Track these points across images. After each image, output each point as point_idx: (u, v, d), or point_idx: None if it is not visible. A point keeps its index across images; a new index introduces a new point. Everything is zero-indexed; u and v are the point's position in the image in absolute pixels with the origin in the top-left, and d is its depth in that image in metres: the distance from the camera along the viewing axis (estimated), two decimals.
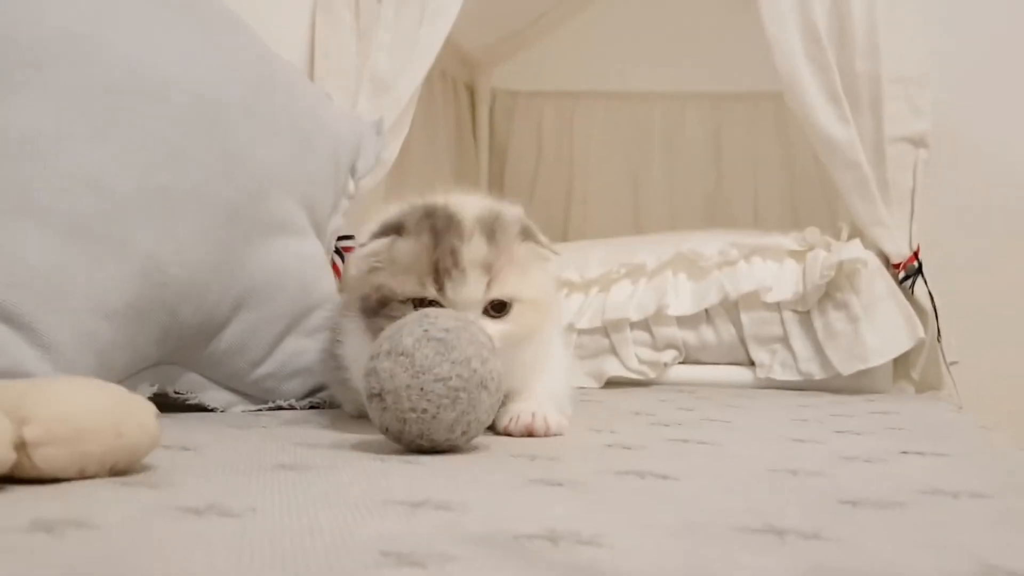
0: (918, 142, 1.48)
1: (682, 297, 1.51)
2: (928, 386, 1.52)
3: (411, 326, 0.74)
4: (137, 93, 0.95)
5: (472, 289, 0.83)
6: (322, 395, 1.15)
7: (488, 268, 0.83)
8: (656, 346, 1.51)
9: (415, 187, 1.87)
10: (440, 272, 0.83)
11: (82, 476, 0.60)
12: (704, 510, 0.53)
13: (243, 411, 1.09)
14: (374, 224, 0.88)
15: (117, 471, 0.62)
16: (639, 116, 2.40)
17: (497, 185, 2.46)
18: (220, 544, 0.43)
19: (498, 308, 0.85)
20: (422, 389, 0.71)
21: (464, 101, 2.39)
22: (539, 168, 2.45)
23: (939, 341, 1.51)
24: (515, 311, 0.85)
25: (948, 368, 1.52)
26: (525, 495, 0.56)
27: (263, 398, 1.12)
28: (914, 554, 0.43)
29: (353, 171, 1.40)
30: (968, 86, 2.00)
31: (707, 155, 2.35)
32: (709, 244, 1.55)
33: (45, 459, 0.58)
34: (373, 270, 0.86)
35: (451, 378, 0.72)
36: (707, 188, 2.33)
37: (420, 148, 1.78)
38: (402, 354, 0.72)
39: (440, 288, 0.83)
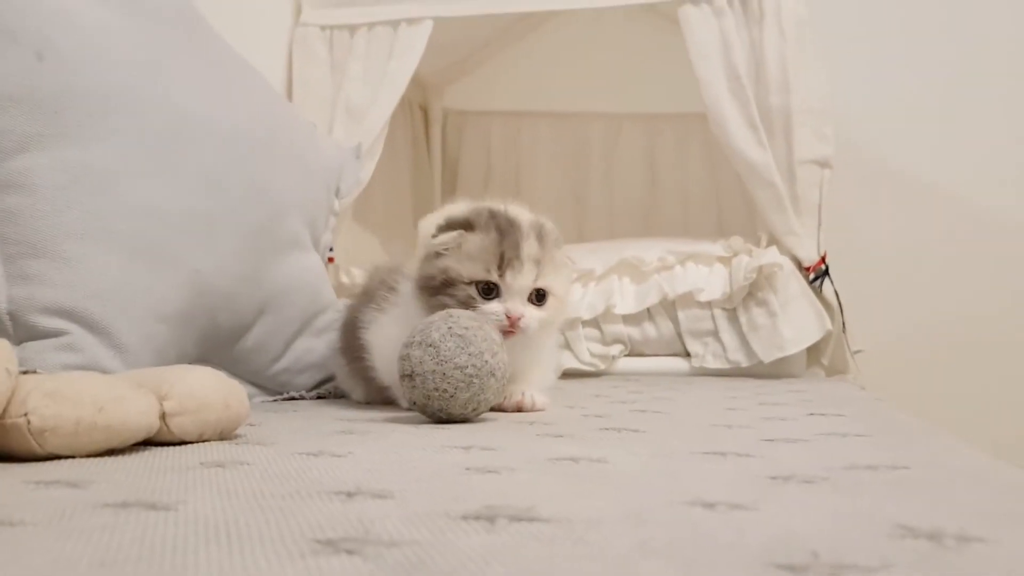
0: (823, 164, 1.68)
1: (626, 298, 1.71)
2: (836, 371, 1.74)
3: (438, 323, 0.94)
4: (184, 134, 1.13)
5: (526, 278, 1.03)
6: (327, 386, 1.35)
7: (537, 263, 1.04)
8: (605, 341, 1.72)
9: (378, 199, 2.09)
10: (504, 261, 1.03)
11: (201, 440, 0.79)
12: (668, 446, 0.75)
13: (261, 401, 1.28)
14: (438, 218, 1.06)
15: (223, 436, 0.81)
16: (579, 134, 2.56)
17: (449, 198, 2.64)
18: (346, 470, 0.63)
19: (540, 297, 1.06)
20: (444, 374, 0.92)
21: (418, 120, 2.55)
22: (488, 182, 2.61)
23: (844, 333, 1.75)
24: (550, 302, 1.06)
25: (852, 355, 1.76)
26: (540, 442, 0.77)
27: (278, 390, 1.30)
28: (812, 461, 0.65)
29: (337, 192, 1.60)
30: (871, 115, 2.31)
31: (641, 170, 2.51)
32: (649, 251, 1.74)
33: (179, 426, 0.77)
34: (439, 256, 1.05)
35: (467, 367, 0.92)
36: (642, 200, 2.49)
37: (381, 164, 1.95)
38: (431, 345, 0.93)
39: (502, 275, 1.03)
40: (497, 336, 0.96)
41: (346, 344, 1.22)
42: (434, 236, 1.05)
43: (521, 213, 1.09)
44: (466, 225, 1.05)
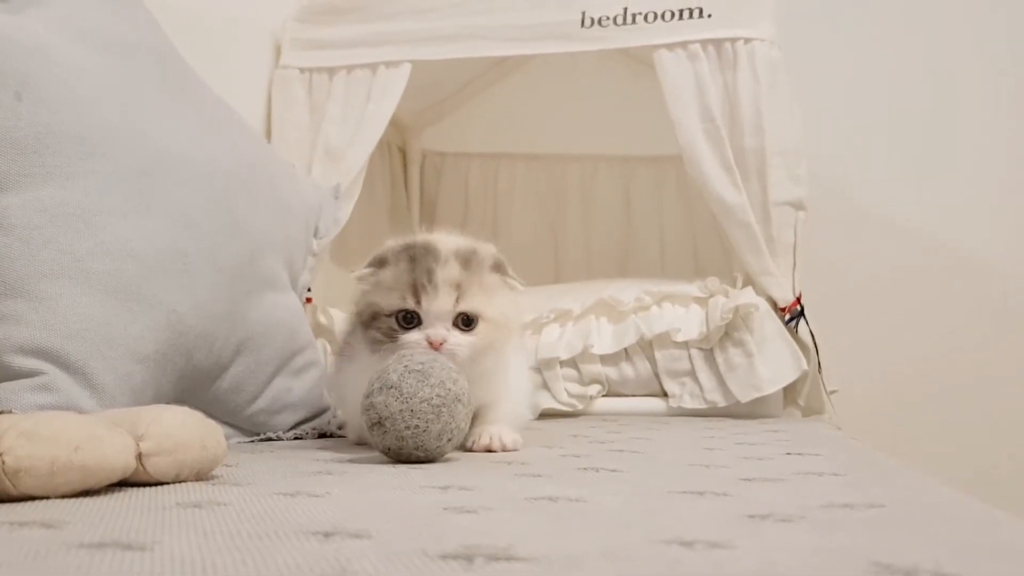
0: (797, 205, 1.71)
1: (604, 338, 1.72)
2: (812, 411, 1.75)
3: (394, 365, 0.95)
4: (161, 173, 1.13)
5: (443, 302, 1.03)
6: (305, 427, 1.34)
7: (457, 287, 1.04)
8: (583, 381, 1.72)
9: (356, 240, 2.09)
10: (417, 288, 1.03)
11: (177, 480, 0.78)
12: (647, 485, 0.75)
13: (238, 442, 1.27)
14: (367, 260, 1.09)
15: (200, 477, 0.81)
16: (556, 175, 2.59)
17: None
18: (323, 510, 0.63)
19: (466, 323, 1.05)
20: (412, 411, 0.91)
21: (397, 161, 2.57)
22: (466, 222, 2.62)
23: (820, 373, 1.76)
24: (480, 327, 1.05)
25: (828, 395, 1.77)
26: (518, 481, 0.77)
27: (255, 431, 1.29)
28: (789, 500, 0.66)
29: (316, 231, 1.60)
30: (846, 157, 2.36)
31: (618, 211, 2.53)
32: (626, 292, 1.76)
33: (155, 466, 0.76)
34: (365, 292, 1.08)
35: (432, 398, 0.92)
36: (618, 240, 2.51)
37: (360, 204, 1.97)
38: (392, 387, 0.93)
39: (418, 301, 1.03)
40: (452, 364, 0.96)
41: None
42: (358, 275, 1.08)
43: (450, 240, 1.09)
44: (381, 260, 1.07)
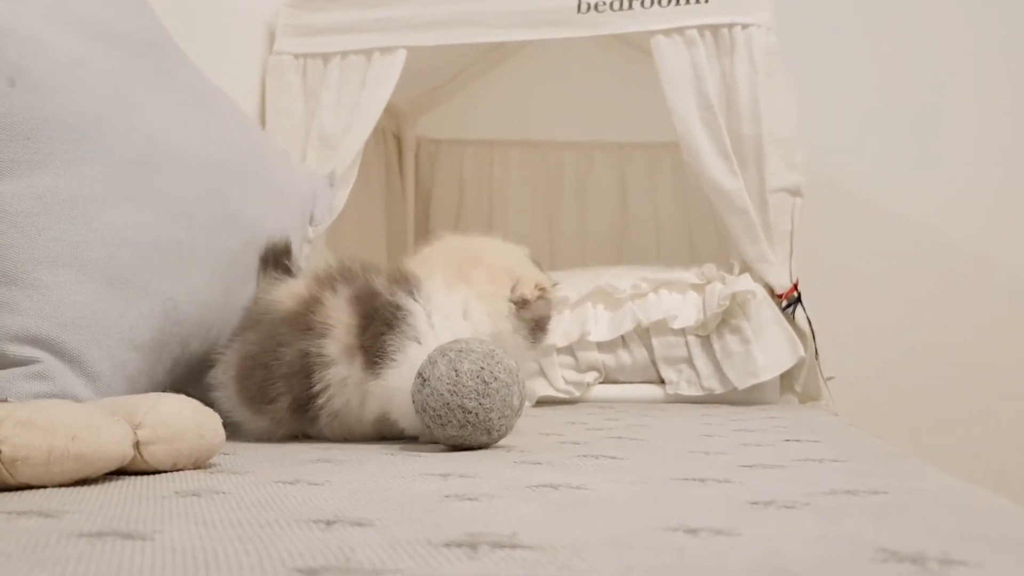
0: (794, 192, 1.70)
1: (601, 325, 1.71)
2: (809, 397, 1.75)
3: (499, 356, 0.95)
4: (156, 162, 1.12)
5: None
6: None
7: None
8: (579, 368, 1.72)
9: (351, 227, 2.08)
10: None
11: (175, 469, 0.78)
12: (647, 472, 0.75)
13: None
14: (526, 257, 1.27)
15: (198, 465, 0.80)
16: (552, 163, 2.58)
17: (422, 225, 2.65)
18: (324, 499, 0.63)
19: None
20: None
21: (392, 149, 2.56)
22: (461, 210, 2.63)
23: (817, 359, 1.76)
24: None
25: (825, 382, 1.77)
26: (519, 469, 0.77)
27: None
28: (791, 487, 0.65)
29: (311, 219, 1.59)
30: (843, 145, 2.36)
31: (613, 198, 2.53)
32: (622, 279, 1.76)
33: (152, 455, 0.76)
34: (550, 304, 1.19)
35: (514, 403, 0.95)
36: (614, 228, 2.51)
37: (354, 191, 1.95)
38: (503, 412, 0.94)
39: None
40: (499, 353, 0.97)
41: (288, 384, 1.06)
42: (555, 285, 1.21)
43: None
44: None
